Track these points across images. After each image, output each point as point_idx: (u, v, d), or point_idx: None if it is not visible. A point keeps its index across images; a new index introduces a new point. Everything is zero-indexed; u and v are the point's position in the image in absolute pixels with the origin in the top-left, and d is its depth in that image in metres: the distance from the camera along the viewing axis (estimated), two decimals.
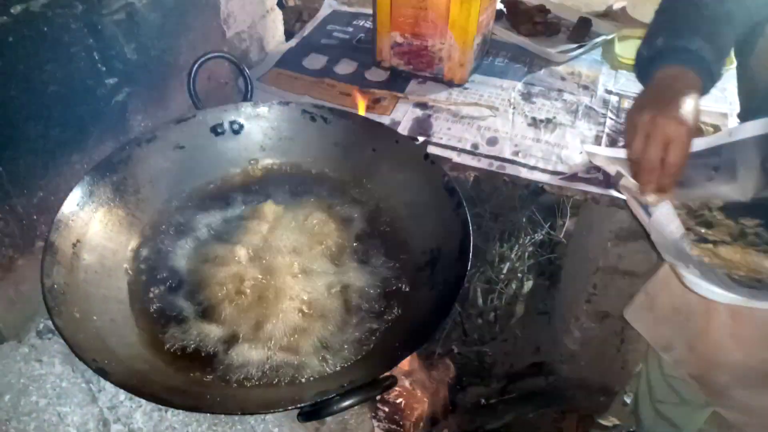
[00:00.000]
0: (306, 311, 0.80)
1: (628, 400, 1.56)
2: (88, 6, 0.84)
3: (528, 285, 1.70)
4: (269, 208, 0.91)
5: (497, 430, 1.48)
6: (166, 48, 1.00)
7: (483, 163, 1.17)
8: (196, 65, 0.97)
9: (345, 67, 1.41)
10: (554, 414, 1.52)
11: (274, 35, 1.44)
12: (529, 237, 1.75)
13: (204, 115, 0.97)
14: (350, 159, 1.00)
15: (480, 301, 1.62)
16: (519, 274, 1.69)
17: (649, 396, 1.26)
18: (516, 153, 1.18)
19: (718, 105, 1.31)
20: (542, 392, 1.54)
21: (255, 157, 1.01)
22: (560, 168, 1.15)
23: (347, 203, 0.96)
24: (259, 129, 1.01)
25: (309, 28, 1.56)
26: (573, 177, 1.14)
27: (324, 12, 1.64)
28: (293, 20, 1.76)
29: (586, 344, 1.44)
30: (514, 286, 1.67)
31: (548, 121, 1.25)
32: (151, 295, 0.81)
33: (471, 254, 0.80)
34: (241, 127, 1.00)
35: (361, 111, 1.18)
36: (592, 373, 1.50)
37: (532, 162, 1.16)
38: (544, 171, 1.15)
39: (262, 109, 1.01)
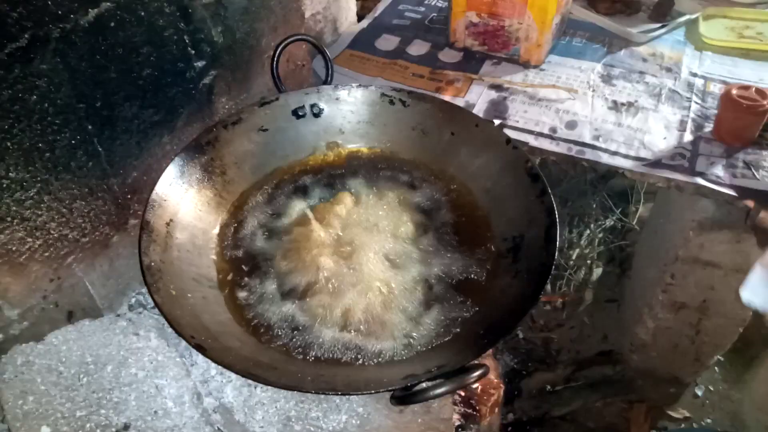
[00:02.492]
0: (388, 295, 0.81)
1: (699, 393, 1.52)
2: None
3: (597, 272, 1.66)
4: (348, 195, 0.91)
5: (563, 417, 1.47)
6: (250, 31, 1.01)
7: (562, 148, 1.15)
8: (280, 48, 0.98)
9: (418, 48, 1.39)
10: (622, 403, 1.50)
11: (347, 16, 1.43)
12: (599, 222, 1.71)
13: (286, 98, 0.99)
14: (428, 143, 0.99)
15: (548, 286, 1.60)
16: (588, 261, 1.66)
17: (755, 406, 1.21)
18: (596, 137, 1.15)
19: None
20: (610, 381, 1.52)
21: (334, 140, 1.02)
22: (643, 153, 1.12)
23: (426, 188, 0.95)
24: (338, 112, 1.02)
25: (380, 8, 1.55)
26: (657, 163, 1.10)
27: None
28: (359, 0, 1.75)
29: (658, 334, 1.40)
30: (582, 272, 1.64)
31: (630, 104, 1.21)
32: (238, 274, 0.83)
33: (557, 243, 0.79)
34: (321, 110, 1.01)
35: None
36: (662, 364, 1.47)
37: (613, 147, 1.13)
38: (626, 157, 1.12)
39: (342, 93, 1.01)
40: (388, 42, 1.42)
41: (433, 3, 1.56)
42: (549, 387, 1.49)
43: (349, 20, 1.45)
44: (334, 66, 1.32)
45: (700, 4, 1.51)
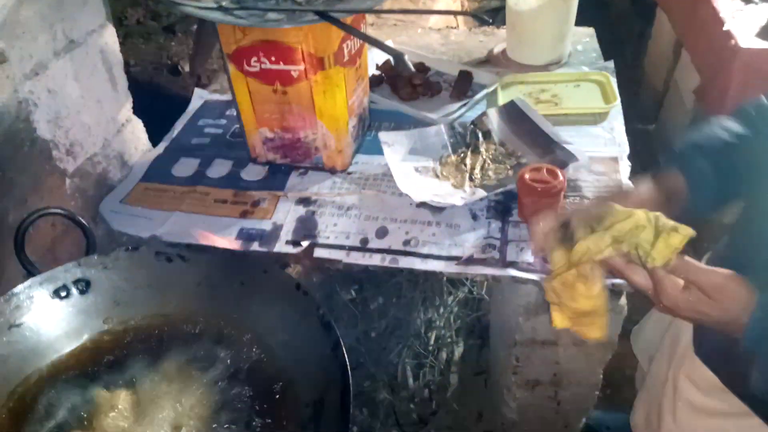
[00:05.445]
0: None
1: None
2: None
3: (459, 350, 1.62)
4: (125, 394, 0.79)
5: None
6: None
7: (375, 259, 1.09)
8: (22, 229, 0.85)
9: (219, 168, 1.30)
10: None
11: (137, 146, 1.32)
12: (452, 297, 1.68)
13: (40, 281, 0.86)
14: (217, 299, 0.90)
15: (410, 380, 1.53)
16: (448, 340, 1.62)
17: None
18: (407, 242, 1.10)
19: (608, 149, 1.28)
20: None
21: (109, 315, 0.89)
22: (455, 252, 1.08)
23: (218, 354, 0.85)
24: (109, 282, 0.90)
25: (179, 126, 1.45)
26: (470, 260, 1.07)
27: (194, 105, 1.53)
28: (192, 86, 1.63)
29: (522, 411, 1.37)
30: (445, 354, 1.60)
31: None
32: None
33: (351, 407, 0.71)
34: (88, 284, 0.89)
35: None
36: None
37: (425, 250, 1.09)
38: (438, 258, 1.08)
39: (110, 259, 0.90)
40: (186, 166, 1.31)
41: (234, 113, 1.48)
42: None
43: (140, 149, 1.34)
44: (125, 207, 1.21)
45: (498, 73, 1.54)
